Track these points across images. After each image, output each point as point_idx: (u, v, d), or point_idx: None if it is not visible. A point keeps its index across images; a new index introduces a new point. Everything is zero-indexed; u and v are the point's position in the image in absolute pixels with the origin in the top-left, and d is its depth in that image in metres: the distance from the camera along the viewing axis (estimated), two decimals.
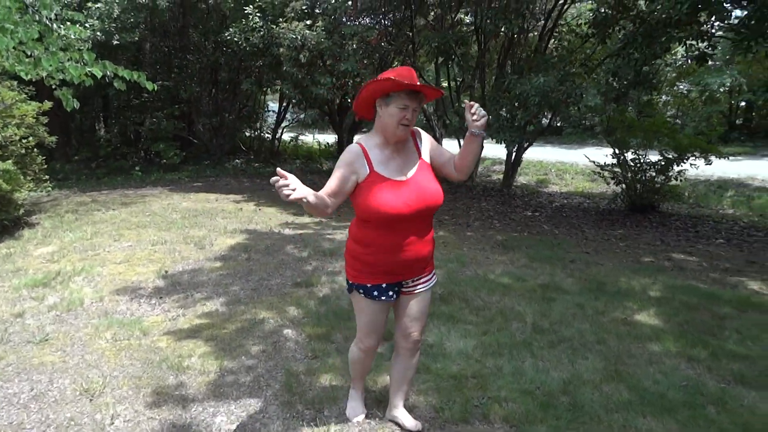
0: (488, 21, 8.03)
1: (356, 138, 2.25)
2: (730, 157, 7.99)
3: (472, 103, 2.09)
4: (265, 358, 3.32)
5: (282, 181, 1.83)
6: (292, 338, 3.60)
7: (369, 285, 2.27)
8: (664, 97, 18.48)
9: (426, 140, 2.33)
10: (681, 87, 18.57)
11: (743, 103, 18.42)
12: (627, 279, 4.93)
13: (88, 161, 14.24)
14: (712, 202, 9.57)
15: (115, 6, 9.66)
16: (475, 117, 2.07)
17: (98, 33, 9.62)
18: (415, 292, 2.35)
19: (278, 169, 1.86)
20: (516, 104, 8.02)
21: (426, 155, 2.29)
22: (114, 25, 9.85)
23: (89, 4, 9.93)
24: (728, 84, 14.74)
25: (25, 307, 4.14)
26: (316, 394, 2.88)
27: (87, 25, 9.06)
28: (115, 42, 10.13)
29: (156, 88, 5.89)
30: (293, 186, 1.85)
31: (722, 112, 18.12)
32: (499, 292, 4.48)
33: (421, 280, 2.35)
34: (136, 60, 13.05)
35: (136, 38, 10.80)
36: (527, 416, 2.65)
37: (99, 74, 5.32)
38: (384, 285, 2.27)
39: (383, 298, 2.28)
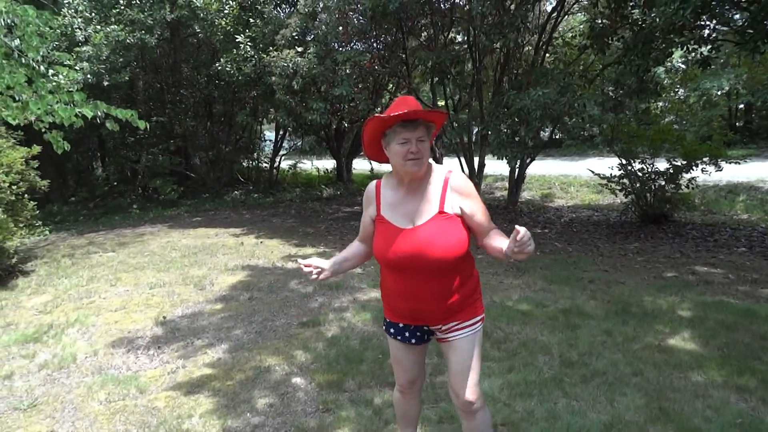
0: (483, 37, 7.87)
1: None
2: (739, 161, 7.72)
3: (520, 229, 1.70)
4: (272, 413, 3.03)
5: (306, 270, 2.08)
6: (301, 388, 3.32)
7: (387, 320, 2.20)
8: (661, 104, 18.36)
9: (459, 191, 1.97)
10: (678, 93, 18.46)
11: (741, 106, 18.26)
12: (652, 298, 4.65)
13: (85, 201, 14.05)
14: (725, 208, 9.30)
15: (103, 48, 9.54)
16: (517, 249, 1.74)
17: (88, 75, 9.48)
18: (449, 340, 2.08)
19: (299, 261, 2.12)
20: (516, 120, 7.83)
21: (452, 207, 1.96)
22: (104, 66, 9.72)
23: (78, 48, 9.82)
24: (726, 87, 14.60)
25: (14, 366, 3.86)
26: None
27: (77, 68, 8.92)
28: (106, 83, 9.99)
29: (148, 126, 5.70)
30: (318, 269, 2.09)
31: (722, 115, 17.94)
32: (520, 321, 4.19)
33: (454, 328, 2.05)
34: (129, 98, 12.94)
35: (127, 78, 10.67)
36: None
37: (90, 115, 5.14)
38: (401, 325, 2.15)
39: (399, 337, 2.17)
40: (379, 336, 4.05)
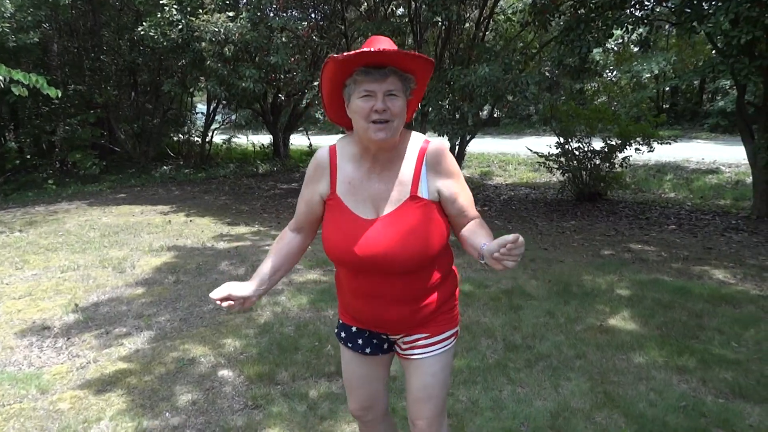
0: (425, 8, 7.62)
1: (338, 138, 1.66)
2: (669, 142, 7.95)
3: (517, 236, 1.25)
4: (195, 412, 2.73)
5: (224, 305, 1.52)
6: (228, 381, 3.03)
7: (340, 322, 1.73)
8: (594, 85, 18.87)
9: (437, 167, 1.51)
10: (610, 75, 19.02)
11: (668, 89, 19.05)
12: (592, 277, 4.64)
13: None
14: (654, 187, 9.63)
15: (7, 3, 8.54)
16: (502, 256, 1.27)
17: None
18: (412, 358, 1.62)
19: (210, 295, 1.52)
20: (459, 96, 7.68)
21: (427, 190, 1.51)
22: (8, 24, 8.72)
23: None
24: (656, 70, 15.11)
25: None
26: None
27: None
28: (12, 44, 9.00)
29: (59, 94, 5.11)
30: (238, 299, 1.54)
31: (650, 97, 18.66)
32: (462, 303, 4.05)
33: (419, 343, 1.60)
34: (42, 63, 11.82)
35: (37, 39, 9.66)
36: None
37: None
38: (354, 329, 1.67)
39: (350, 345, 1.68)
40: (316, 322, 3.80)
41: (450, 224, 1.57)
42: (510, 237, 1.25)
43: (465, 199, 1.54)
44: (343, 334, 1.70)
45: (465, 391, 2.81)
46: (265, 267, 1.65)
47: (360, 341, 1.67)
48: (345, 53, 1.35)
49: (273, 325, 3.76)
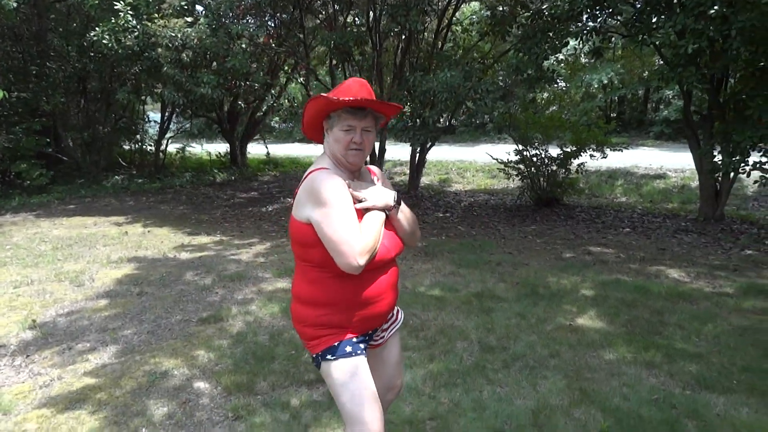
0: (387, 17, 7.71)
1: (316, 164, 1.75)
2: (621, 149, 8.30)
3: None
4: (172, 426, 2.65)
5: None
6: (205, 393, 2.95)
7: (337, 344, 1.72)
8: (546, 94, 19.47)
9: (381, 178, 1.93)
10: (561, 85, 19.66)
11: (616, 98, 19.86)
12: (557, 278, 4.78)
13: None
14: (606, 192, 10.00)
15: None
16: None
17: None
18: (388, 337, 1.96)
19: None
20: (420, 102, 7.79)
21: None
22: None
23: None
24: (605, 80, 15.73)
25: None
26: None
27: None
28: None
29: (6, 95, 4.87)
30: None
31: (599, 106, 19.40)
32: (434, 307, 4.10)
33: (393, 318, 1.99)
34: None
35: None
36: None
37: None
38: (354, 339, 1.75)
39: (358, 353, 1.73)
40: (290, 329, 3.76)
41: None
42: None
43: None
44: (348, 348, 1.71)
45: (446, 393, 2.84)
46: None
47: (362, 345, 1.77)
48: (341, 99, 1.64)
49: (246, 335, 3.69)
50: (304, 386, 2.97)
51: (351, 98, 1.64)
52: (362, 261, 1.58)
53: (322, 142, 1.85)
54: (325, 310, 1.70)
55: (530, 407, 2.67)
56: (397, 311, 2.00)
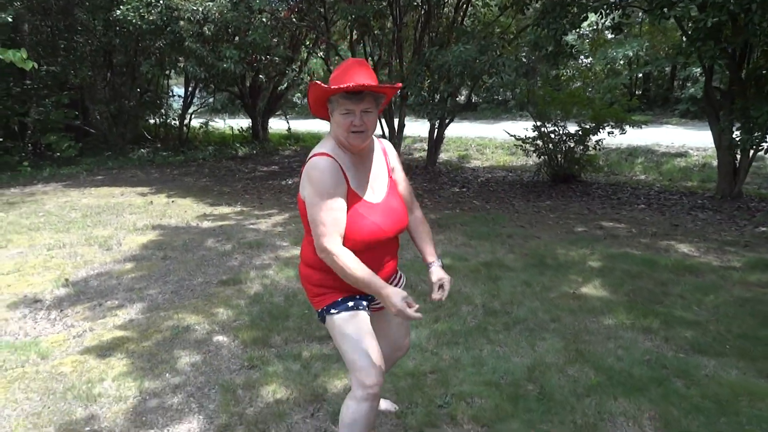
0: None
1: (318, 148, 1.79)
2: (641, 126, 8.25)
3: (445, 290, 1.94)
4: (194, 372, 2.88)
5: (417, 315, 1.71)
6: (224, 346, 3.18)
7: (339, 299, 1.85)
8: (569, 71, 19.18)
9: (394, 158, 1.99)
10: (585, 61, 19.33)
11: (641, 75, 19.48)
12: (565, 251, 4.88)
13: None
14: (625, 169, 9.96)
15: None
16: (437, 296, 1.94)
17: None
18: None
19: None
20: (437, 77, 7.83)
21: (395, 174, 1.97)
22: None
23: None
24: (630, 56, 15.43)
25: None
26: (259, 411, 2.50)
27: None
28: None
29: (36, 67, 5.09)
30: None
31: (624, 83, 19.06)
32: None
33: (396, 280, 2.06)
34: (13, 42, 11.54)
35: (11, 18, 9.47)
36: (497, 413, 2.42)
37: None
38: (357, 296, 1.86)
39: (360, 308, 1.85)
40: (304, 293, 3.94)
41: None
42: (439, 290, 1.91)
43: (406, 182, 2.02)
44: (350, 303, 1.84)
45: (448, 350, 3.01)
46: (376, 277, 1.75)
47: (365, 303, 1.87)
48: (330, 86, 1.68)
49: (263, 296, 3.91)
50: (315, 341, 3.16)
51: (344, 85, 1.65)
52: (322, 254, 1.73)
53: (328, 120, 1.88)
54: (326, 275, 1.82)
55: (526, 364, 2.83)
56: (399, 276, 2.07)
